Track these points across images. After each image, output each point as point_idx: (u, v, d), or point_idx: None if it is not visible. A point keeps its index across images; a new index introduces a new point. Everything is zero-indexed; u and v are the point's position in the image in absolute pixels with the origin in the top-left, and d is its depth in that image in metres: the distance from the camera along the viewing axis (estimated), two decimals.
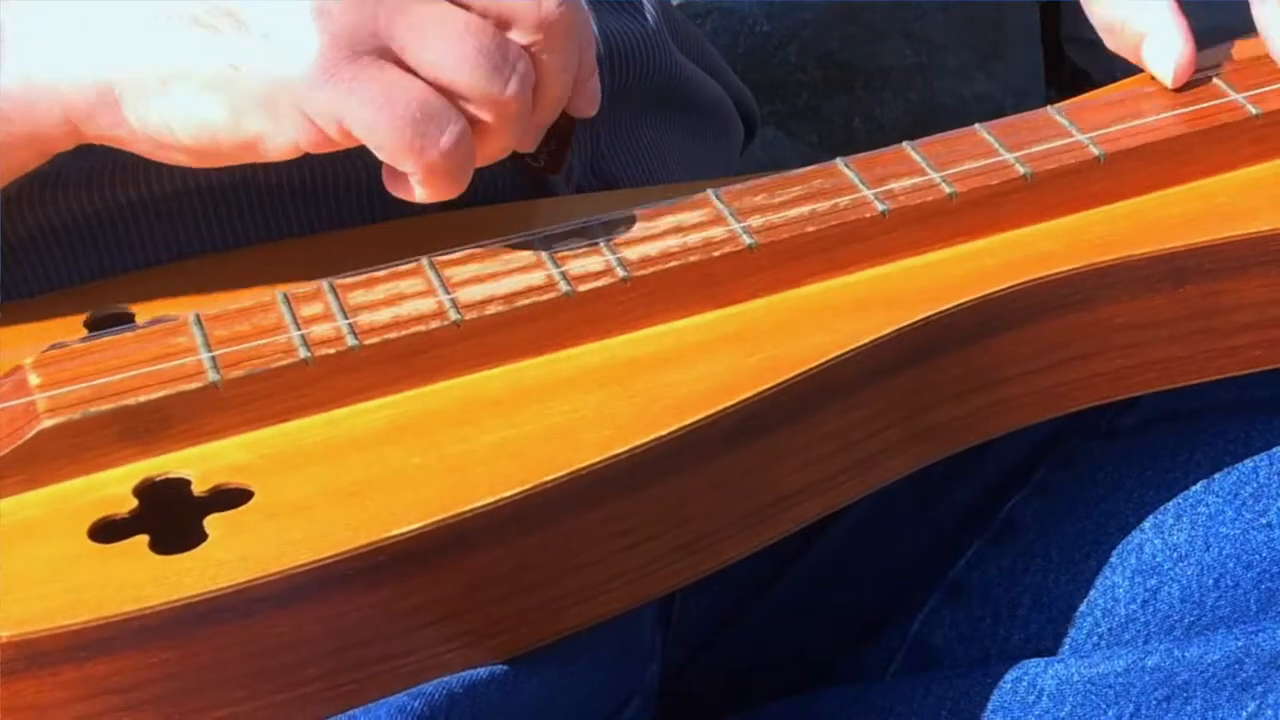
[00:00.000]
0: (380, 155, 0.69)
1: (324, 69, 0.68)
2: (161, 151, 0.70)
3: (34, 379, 0.68)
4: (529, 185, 0.83)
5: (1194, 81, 0.80)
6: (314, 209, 0.80)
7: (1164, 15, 0.80)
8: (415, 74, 0.69)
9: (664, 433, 0.68)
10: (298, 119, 0.69)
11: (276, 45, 0.68)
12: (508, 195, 0.83)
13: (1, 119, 0.70)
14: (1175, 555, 0.80)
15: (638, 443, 0.68)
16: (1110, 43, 0.82)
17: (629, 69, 0.87)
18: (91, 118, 0.69)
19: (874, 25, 1.42)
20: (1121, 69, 0.84)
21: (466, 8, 0.69)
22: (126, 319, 0.72)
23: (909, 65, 1.41)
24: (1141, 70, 0.81)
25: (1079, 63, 1.55)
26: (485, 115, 0.69)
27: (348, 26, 0.68)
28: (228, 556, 0.64)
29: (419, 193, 0.70)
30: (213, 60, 0.68)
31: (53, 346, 0.69)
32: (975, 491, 0.86)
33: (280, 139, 0.69)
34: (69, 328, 0.71)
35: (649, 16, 0.89)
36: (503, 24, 0.70)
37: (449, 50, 0.69)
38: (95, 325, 0.72)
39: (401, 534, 0.64)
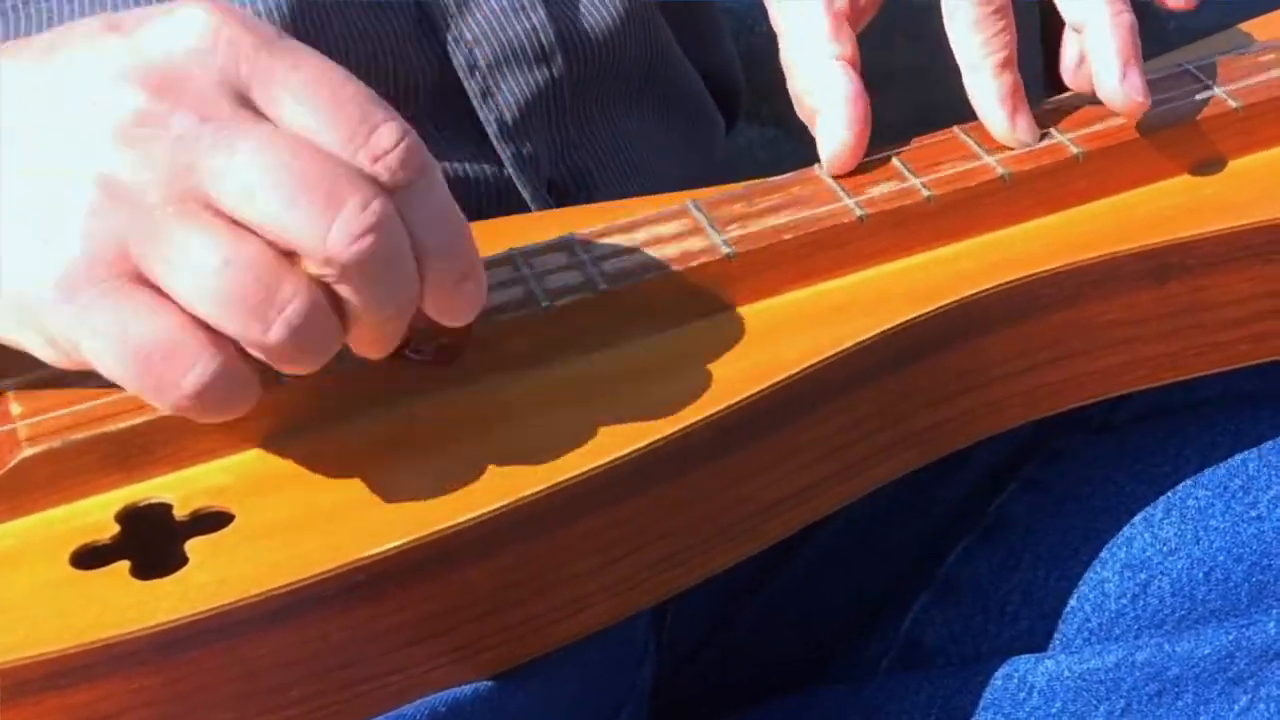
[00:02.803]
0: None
1: (65, 287, 0.58)
2: None
3: (15, 408, 0.65)
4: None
5: (1173, 76, 0.77)
6: None
7: (837, 100, 0.74)
8: (173, 302, 0.58)
9: (645, 444, 0.65)
10: (43, 340, 0.61)
11: (34, 248, 0.59)
12: None
13: None
14: (1165, 549, 0.77)
15: (618, 455, 0.65)
16: (799, 112, 0.76)
17: (588, 58, 0.83)
18: None
19: (874, 25, 1.39)
20: None
21: (242, 232, 0.58)
22: None
23: (909, 65, 1.37)
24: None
25: None
26: (254, 354, 0.59)
27: (102, 241, 0.58)
28: (207, 579, 0.61)
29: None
30: None
31: (35, 376, 0.67)
32: (964, 488, 0.83)
33: (37, 352, 0.61)
34: None
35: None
36: (289, 251, 0.58)
37: (199, 286, 0.58)
38: None
39: (381, 552, 0.62)
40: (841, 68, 0.75)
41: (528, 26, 0.81)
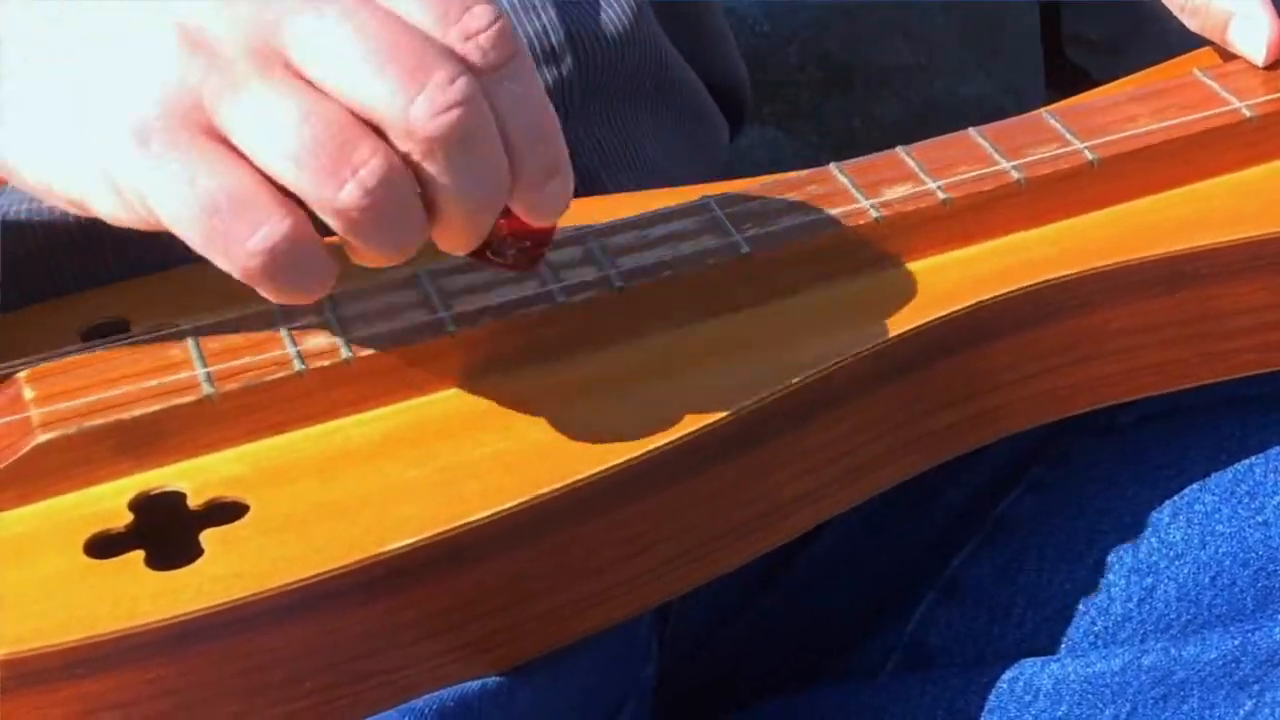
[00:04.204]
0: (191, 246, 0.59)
1: (136, 138, 0.58)
2: (24, 189, 0.63)
3: (29, 393, 0.65)
4: None
5: (1188, 84, 0.77)
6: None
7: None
8: (246, 159, 0.58)
9: (659, 444, 0.65)
10: (109, 190, 0.59)
11: (110, 95, 0.58)
12: None
13: None
14: (1171, 554, 0.77)
15: (633, 454, 0.64)
16: (1192, 24, 0.79)
17: (597, 59, 0.82)
18: None
19: (874, 25, 1.39)
20: (1123, 69, 0.81)
21: (322, 93, 0.58)
22: (122, 328, 0.68)
23: (909, 65, 1.37)
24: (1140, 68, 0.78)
25: (1079, 63, 1.51)
26: (329, 220, 0.58)
27: (179, 91, 0.57)
28: (222, 573, 0.61)
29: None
30: (41, 111, 0.60)
31: (47, 358, 0.66)
32: (970, 489, 0.82)
33: (101, 207, 0.60)
34: (64, 337, 0.68)
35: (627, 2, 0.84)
36: (373, 123, 0.58)
37: (273, 140, 0.57)
38: (91, 335, 0.69)
39: (396, 549, 0.61)
40: None
41: (538, 26, 0.80)
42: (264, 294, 0.60)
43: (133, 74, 0.58)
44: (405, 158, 0.58)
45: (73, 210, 0.62)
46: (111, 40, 0.59)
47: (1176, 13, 0.79)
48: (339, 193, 0.57)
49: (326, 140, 0.57)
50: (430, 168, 0.58)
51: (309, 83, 0.58)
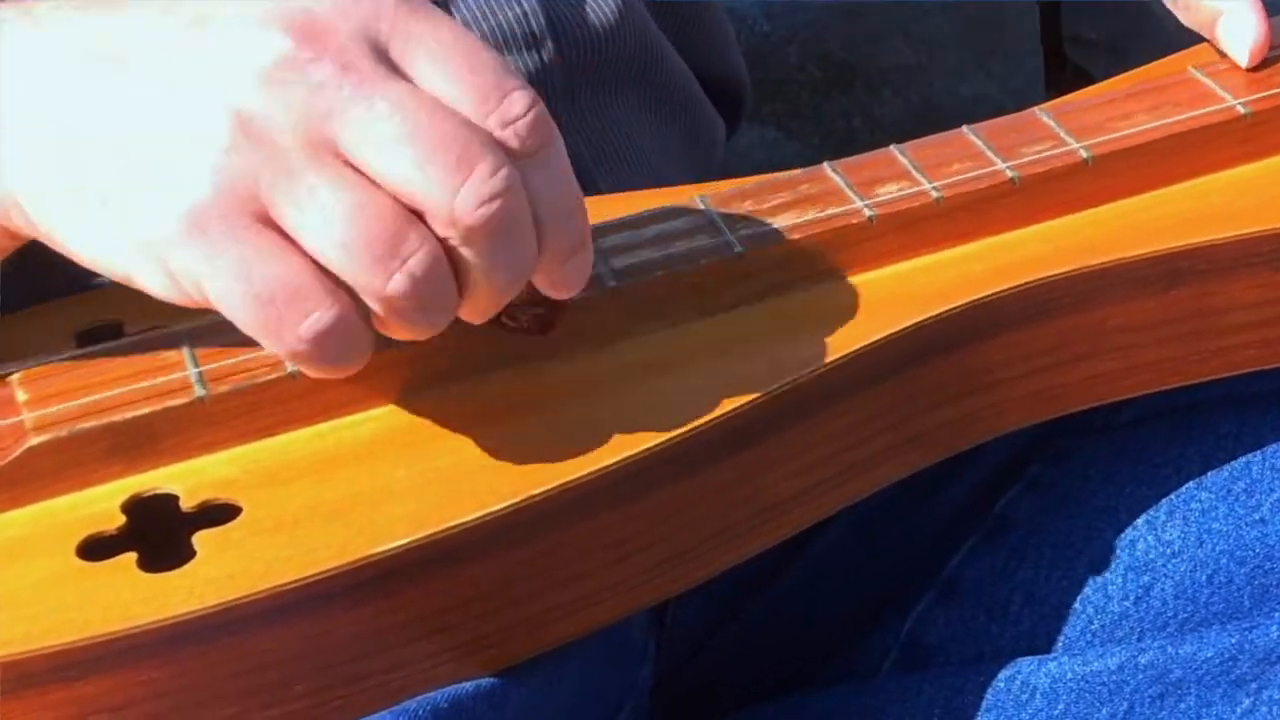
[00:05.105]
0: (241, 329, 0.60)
1: (192, 225, 0.59)
2: (65, 254, 0.63)
3: (22, 395, 0.65)
4: None
5: (1183, 81, 0.76)
6: None
7: None
8: (298, 247, 0.59)
9: (653, 444, 0.64)
10: (161, 272, 0.60)
11: (160, 180, 0.59)
12: None
13: None
14: (1168, 552, 0.76)
15: (626, 454, 0.64)
16: (1185, 19, 0.78)
17: (580, 47, 0.82)
18: (8, 218, 0.63)
19: (874, 25, 1.39)
20: (1123, 69, 0.80)
21: (372, 183, 0.59)
22: (116, 331, 0.68)
23: (909, 65, 1.37)
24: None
25: (1079, 63, 1.51)
26: (373, 306, 0.60)
27: (234, 179, 0.59)
28: (215, 574, 0.61)
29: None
30: (89, 189, 0.60)
31: (41, 361, 0.66)
32: (968, 488, 0.82)
33: (150, 285, 0.61)
34: (58, 340, 0.68)
35: None
36: (416, 210, 0.59)
37: (326, 231, 0.58)
38: (85, 338, 0.68)
39: (388, 550, 0.61)
40: None
41: (519, 12, 0.80)
42: (306, 371, 0.61)
43: (187, 159, 0.59)
44: (444, 242, 0.59)
45: (119, 281, 0.62)
46: (155, 123, 0.60)
47: (1170, 4, 0.78)
48: (388, 282, 0.59)
49: (378, 232, 0.58)
50: (467, 251, 0.60)
51: (356, 170, 0.59)
